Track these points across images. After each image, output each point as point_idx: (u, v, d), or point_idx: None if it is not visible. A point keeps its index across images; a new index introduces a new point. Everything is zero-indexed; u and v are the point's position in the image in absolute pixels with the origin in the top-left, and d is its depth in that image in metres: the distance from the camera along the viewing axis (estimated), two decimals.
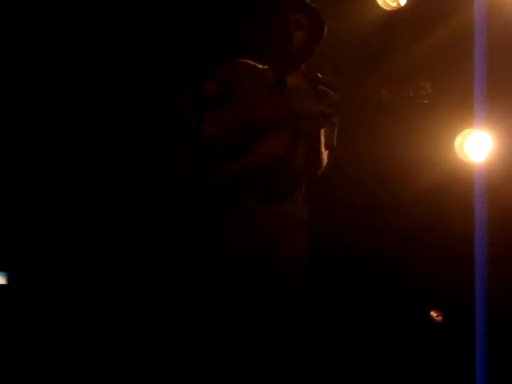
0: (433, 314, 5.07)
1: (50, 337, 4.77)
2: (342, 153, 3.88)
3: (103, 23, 4.95)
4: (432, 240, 5.05)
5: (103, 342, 4.84)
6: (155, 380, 4.69)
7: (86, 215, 5.02)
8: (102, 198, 5.05)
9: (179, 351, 4.53)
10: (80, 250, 4.99)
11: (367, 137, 4.96)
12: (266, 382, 3.59)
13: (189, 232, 3.58)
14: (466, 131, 4.99)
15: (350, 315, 5.12)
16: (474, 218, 4.87)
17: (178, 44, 4.92)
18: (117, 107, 5.02)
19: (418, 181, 4.98)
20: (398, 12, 5.00)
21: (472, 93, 4.82)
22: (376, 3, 5.00)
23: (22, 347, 4.63)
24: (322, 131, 3.59)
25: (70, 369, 4.64)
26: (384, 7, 5.01)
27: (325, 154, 3.68)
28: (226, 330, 3.61)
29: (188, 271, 4.25)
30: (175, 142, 3.73)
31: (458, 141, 5.01)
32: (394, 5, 5.00)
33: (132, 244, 5.00)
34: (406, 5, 4.96)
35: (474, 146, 4.96)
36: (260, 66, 3.85)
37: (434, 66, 4.94)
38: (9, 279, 4.85)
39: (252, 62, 3.85)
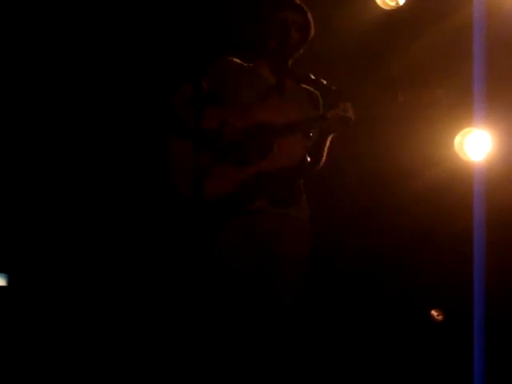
0: (433, 313, 5.08)
1: (49, 338, 4.77)
2: (342, 153, 3.89)
3: (102, 22, 4.94)
4: (431, 239, 5.06)
5: (103, 344, 4.84)
6: (156, 380, 4.70)
7: (85, 217, 5.01)
8: (102, 199, 5.04)
9: (181, 351, 4.54)
10: (80, 252, 4.99)
11: (367, 136, 4.94)
12: (267, 382, 3.59)
13: (190, 233, 3.58)
14: (466, 130, 4.99)
15: (350, 314, 5.13)
16: (473, 217, 4.88)
17: (175, 42, 4.91)
18: (115, 105, 5.01)
19: (417, 180, 4.99)
20: (396, 11, 4.99)
21: (471, 92, 4.83)
22: (375, 3, 4.99)
23: (21, 348, 4.63)
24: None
25: (69, 370, 4.64)
26: (383, 7, 5.01)
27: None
28: (227, 330, 3.61)
29: (190, 272, 4.25)
30: (173, 139, 3.71)
31: (457, 140, 5.01)
32: (393, 4, 5.00)
33: (133, 246, 5.00)
34: (404, 4, 4.96)
35: (473, 144, 4.96)
36: (246, 65, 3.86)
37: (434, 65, 4.95)
38: (9, 281, 4.84)
39: (239, 61, 3.85)
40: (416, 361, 5.01)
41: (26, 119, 4.99)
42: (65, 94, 5.03)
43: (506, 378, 4.78)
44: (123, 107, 5.01)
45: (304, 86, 3.82)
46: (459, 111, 4.93)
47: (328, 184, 4.00)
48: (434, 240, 5.03)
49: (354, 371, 4.98)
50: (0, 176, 4.93)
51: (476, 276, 4.83)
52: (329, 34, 4.41)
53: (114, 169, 5.04)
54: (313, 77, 3.82)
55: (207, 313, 3.66)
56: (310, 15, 3.83)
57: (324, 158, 3.72)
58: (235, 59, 3.86)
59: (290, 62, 3.84)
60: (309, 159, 3.63)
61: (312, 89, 3.82)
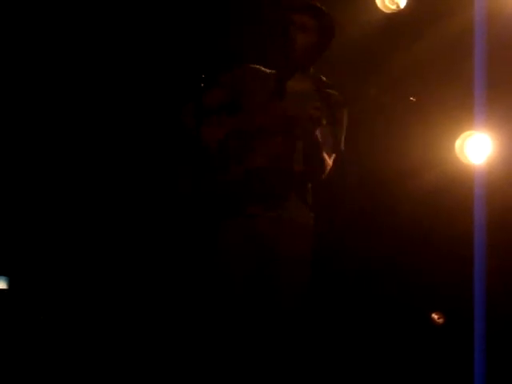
0: (434, 316, 5.08)
1: (50, 341, 4.77)
2: (343, 155, 3.88)
3: (104, 31, 4.95)
4: (432, 242, 5.06)
5: (104, 346, 4.83)
6: (157, 381, 4.70)
7: (87, 220, 5.01)
8: (104, 203, 5.04)
9: (182, 353, 4.54)
10: (81, 255, 4.98)
11: (368, 139, 4.95)
12: (268, 383, 3.59)
13: (191, 236, 3.59)
14: (467, 133, 5.00)
15: (350, 316, 5.13)
16: (473, 220, 4.88)
17: (181, 49, 4.92)
18: (123, 113, 5.01)
19: (418, 182, 4.99)
20: (397, 14, 5.00)
21: (472, 95, 4.83)
22: (376, 6, 5.00)
23: (22, 351, 4.62)
24: (319, 134, 3.52)
25: (70, 372, 4.64)
26: (384, 10, 5.01)
27: (328, 157, 3.63)
28: (229, 332, 3.61)
29: (191, 275, 4.26)
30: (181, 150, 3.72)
31: (458, 143, 5.02)
32: (394, 7, 5.00)
33: (134, 249, 5.00)
34: (405, 7, 4.96)
35: (474, 148, 4.97)
36: (267, 71, 3.81)
37: (434, 68, 4.95)
38: (9, 284, 4.84)
39: (258, 67, 3.81)
40: (417, 362, 5.01)
41: (29, 120, 5.00)
42: (76, 101, 5.04)
43: (507, 380, 4.78)
44: (133, 115, 5.03)
45: (327, 90, 3.67)
46: (460, 114, 4.94)
47: (329, 186, 3.98)
48: (435, 243, 5.03)
49: (355, 372, 4.99)
50: (1, 179, 4.93)
51: (476, 278, 4.84)
52: None
53: (117, 173, 5.05)
54: (324, 79, 3.75)
55: (208, 313, 3.67)
56: (327, 18, 3.74)
57: (326, 162, 3.62)
58: (253, 65, 3.81)
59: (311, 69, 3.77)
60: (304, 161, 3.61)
61: (325, 90, 3.67)
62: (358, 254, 5.12)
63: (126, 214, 5.02)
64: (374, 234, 5.13)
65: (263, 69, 3.81)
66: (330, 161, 3.65)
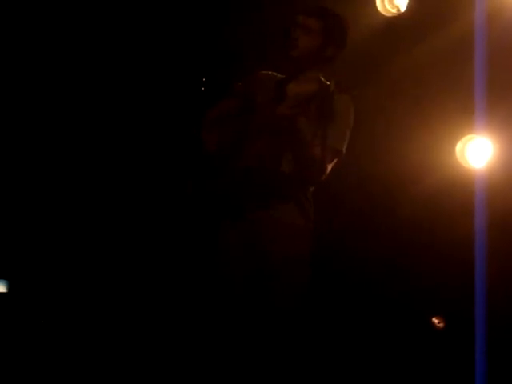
0: (434, 320, 5.08)
1: (50, 344, 4.77)
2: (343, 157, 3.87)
3: (104, 31, 4.96)
4: (432, 245, 5.05)
5: (104, 349, 4.84)
6: (157, 381, 4.70)
7: (86, 223, 5.02)
8: (103, 205, 5.05)
9: (182, 353, 4.55)
10: (81, 258, 4.99)
11: (368, 142, 4.95)
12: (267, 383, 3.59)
13: (190, 236, 3.59)
14: (467, 137, 4.99)
15: (349, 319, 5.14)
16: (474, 224, 4.88)
17: (180, 49, 4.93)
18: (123, 113, 5.02)
19: (419, 186, 4.99)
20: (398, 18, 5.01)
21: (473, 99, 4.82)
22: (376, 9, 5.01)
23: (22, 355, 4.62)
24: (309, 135, 3.49)
25: (70, 375, 4.64)
26: (384, 13, 5.02)
27: (326, 159, 3.55)
28: (228, 332, 3.61)
29: (188, 277, 4.26)
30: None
31: (458, 147, 5.01)
32: (394, 11, 5.01)
33: (134, 251, 5.00)
34: (405, 11, 4.97)
35: (474, 151, 4.97)
36: (279, 76, 3.78)
37: (435, 71, 4.95)
38: (9, 287, 4.84)
39: (271, 73, 3.78)
40: (417, 366, 5.01)
41: (29, 122, 5.01)
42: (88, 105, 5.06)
43: (508, 382, 4.78)
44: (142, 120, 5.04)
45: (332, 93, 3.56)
46: (461, 118, 4.94)
47: (328, 189, 3.97)
48: (435, 246, 5.03)
49: (355, 374, 4.98)
50: (1, 182, 4.94)
51: (477, 282, 4.83)
52: None
53: (120, 175, 5.05)
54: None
55: (207, 313, 3.67)
56: (334, 20, 3.72)
57: (321, 163, 3.54)
58: (265, 71, 3.79)
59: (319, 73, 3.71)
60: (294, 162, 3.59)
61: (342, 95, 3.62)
62: (358, 257, 5.13)
63: (126, 215, 5.03)
64: (374, 237, 5.13)
65: (274, 74, 3.79)
66: (328, 164, 3.61)
